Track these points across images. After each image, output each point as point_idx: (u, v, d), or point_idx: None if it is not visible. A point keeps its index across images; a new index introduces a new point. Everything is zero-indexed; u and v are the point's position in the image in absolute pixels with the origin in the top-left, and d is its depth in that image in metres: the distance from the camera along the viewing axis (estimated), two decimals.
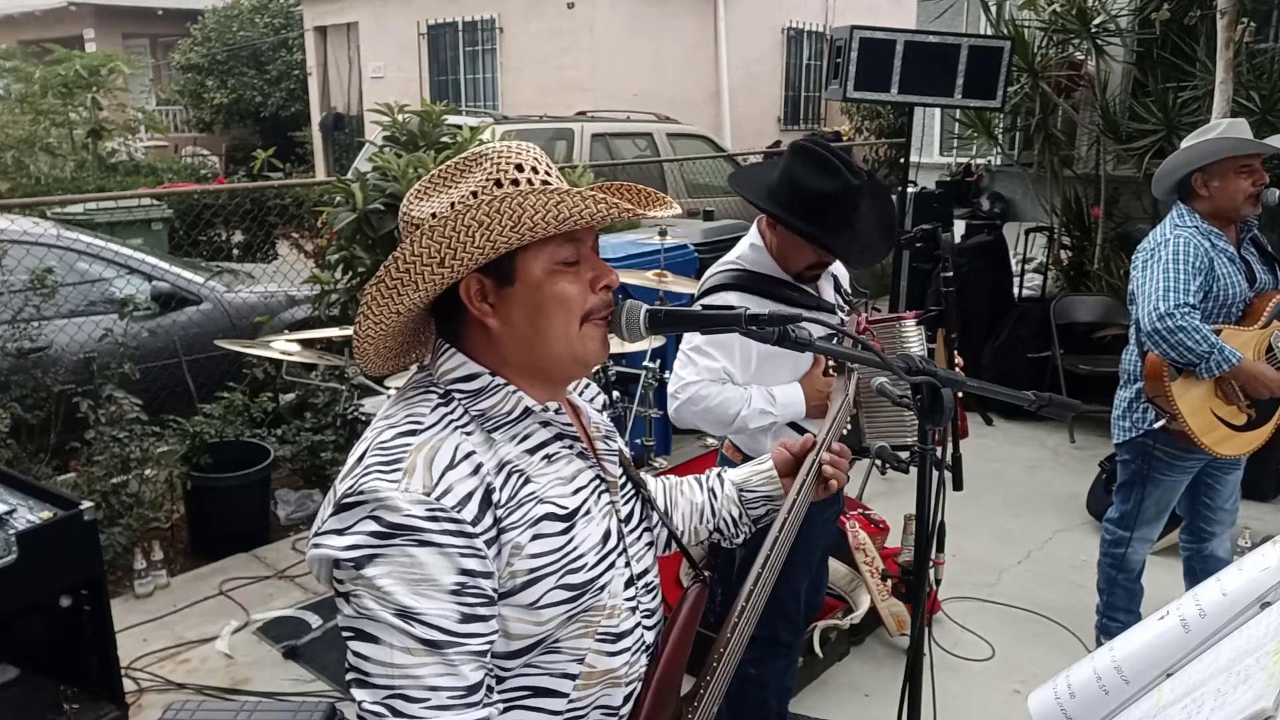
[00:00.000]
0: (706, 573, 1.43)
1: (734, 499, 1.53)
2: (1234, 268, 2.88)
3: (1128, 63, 6.03)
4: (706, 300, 2.37)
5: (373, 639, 1.03)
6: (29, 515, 2.54)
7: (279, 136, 14.91)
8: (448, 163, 1.19)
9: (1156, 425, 2.92)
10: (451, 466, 1.08)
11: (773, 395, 2.28)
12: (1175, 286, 2.76)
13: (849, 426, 2.35)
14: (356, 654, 1.05)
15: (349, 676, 1.07)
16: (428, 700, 1.02)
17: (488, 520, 1.08)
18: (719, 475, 1.57)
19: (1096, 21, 5.82)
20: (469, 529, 1.06)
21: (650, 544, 1.36)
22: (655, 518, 1.40)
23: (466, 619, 1.05)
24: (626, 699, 1.25)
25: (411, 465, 1.07)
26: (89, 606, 2.67)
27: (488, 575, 1.08)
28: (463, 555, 1.05)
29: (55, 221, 5.18)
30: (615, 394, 3.94)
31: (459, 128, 4.98)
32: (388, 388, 3.55)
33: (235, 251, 8.35)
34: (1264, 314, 2.89)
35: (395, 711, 1.02)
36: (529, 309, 1.16)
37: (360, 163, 7.33)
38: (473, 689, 1.05)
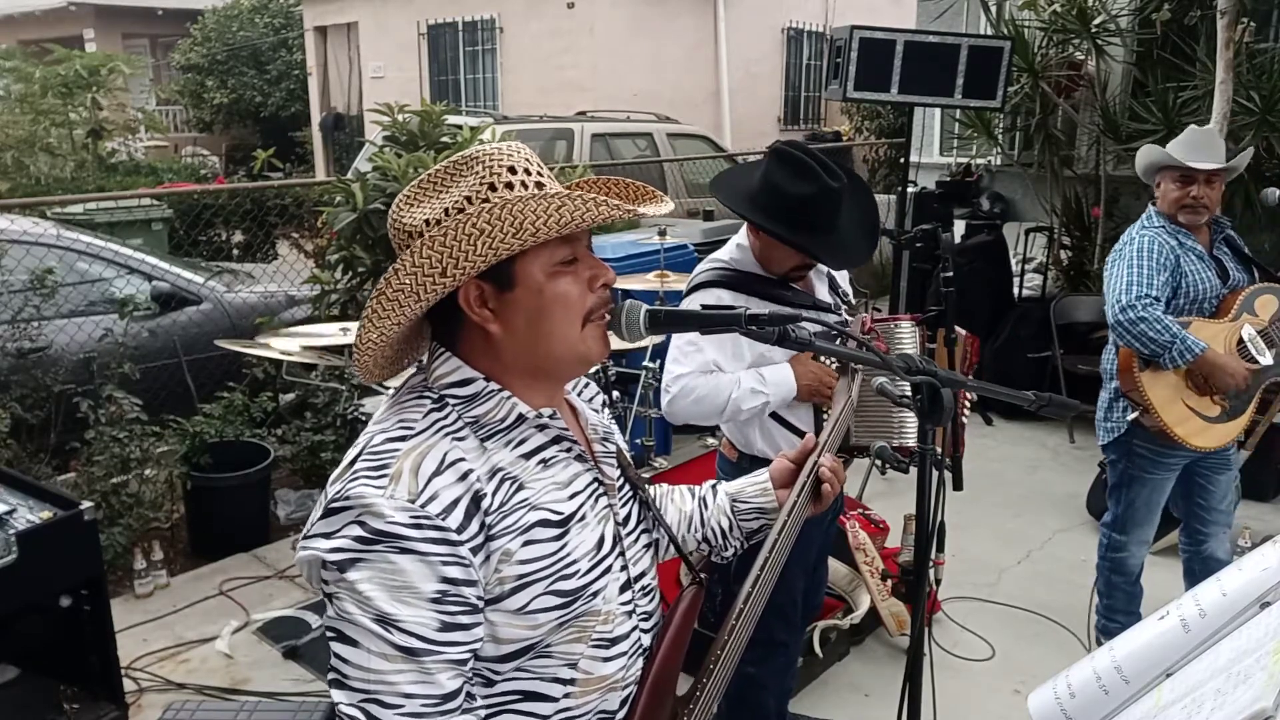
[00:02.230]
0: (703, 574, 1.43)
1: (725, 510, 1.51)
2: (1202, 264, 2.95)
3: (1128, 63, 6.04)
4: (693, 297, 2.38)
5: (352, 642, 1.04)
6: (29, 515, 2.54)
7: (279, 136, 14.92)
8: (436, 167, 1.18)
9: (1130, 417, 2.95)
10: (438, 473, 1.08)
11: (762, 375, 2.29)
12: (1137, 279, 2.84)
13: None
14: (337, 655, 1.06)
15: (329, 677, 1.08)
16: (401, 707, 1.03)
17: (474, 527, 1.08)
18: (713, 486, 1.56)
19: (1096, 21, 5.82)
20: (453, 536, 1.06)
21: (648, 546, 1.36)
22: (654, 520, 1.40)
23: (446, 627, 1.06)
24: (623, 703, 1.24)
25: (398, 472, 1.07)
26: (89, 606, 2.67)
27: (471, 583, 1.08)
28: (445, 563, 1.05)
29: (55, 221, 5.18)
30: (615, 394, 3.94)
31: (459, 128, 4.98)
32: (387, 387, 3.55)
33: (235, 251, 8.35)
34: (1234, 308, 2.96)
35: (369, 715, 1.03)
36: (530, 312, 1.15)
37: (360, 163, 7.33)
38: (448, 697, 1.06)
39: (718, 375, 2.30)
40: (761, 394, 2.28)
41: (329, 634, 1.08)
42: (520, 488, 1.14)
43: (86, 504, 2.61)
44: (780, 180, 2.20)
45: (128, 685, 2.96)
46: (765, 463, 2.40)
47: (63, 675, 2.72)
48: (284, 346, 3.49)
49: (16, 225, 4.56)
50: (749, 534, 1.52)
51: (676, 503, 1.55)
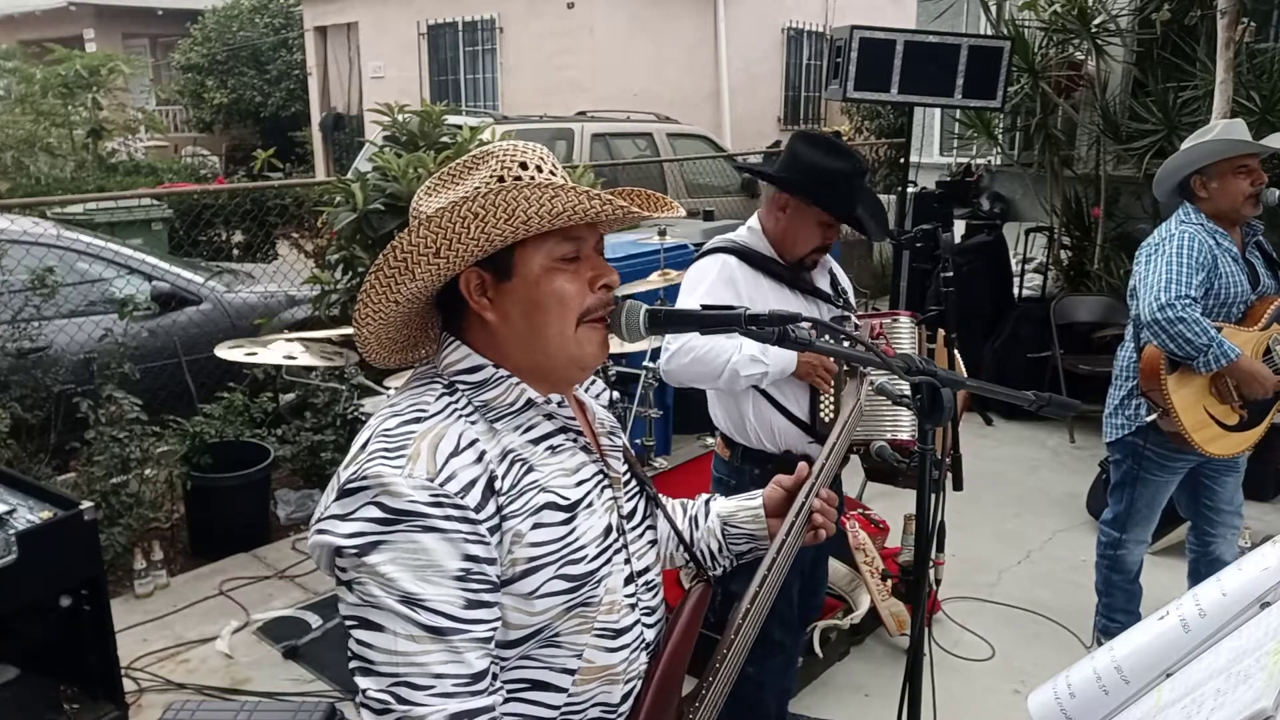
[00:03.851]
0: (710, 573, 1.43)
1: (716, 532, 1.49)
2: (1237, 267, 2.89)
3: (1128, 63, 6.04)
4: (702, 263, 2.43)
5: (377, 627, 1.04)
6: (29, 515, 2.54)
7: (279, 136, 14.91)
8: (457, 160, 1.20)
9: (1148, 419, 2.93)
10: (456, 453, 1.09)
11: (765, 345, 2.29)
12: (1177, 279, 2.77)
13: (830, 413, 2.36)
14: (360, 642, 1.05)
15: (352, 665, 1.06)
16: (433, 688, 1.02)
17: (490, 508, 1.09)
18: (706, 503, 1.54)
19: (1097, 21, 5.82)
20: (473, 515, 1.07)
21: (653, 542, 1.36)
22: (660, 516, 1.40)
23: (471, 605, 1.05)
24: (625, 697, 1.24)
25: (416, 451, 1.07)
26: (89, 606, 2.67)
27: (491, 561, 1.08)
28: (467, 541, 1.06)
29: (55, 221, 5.18)
30: (615, 394, 3.94)
31: (459, 128, 4.97)
32: (387, 388, 3.55)
33: (235, 251, 8.35)
34: (1265, 316, 2.90)
35: (400, 699, 1.02)
36: (525, 305, 1.16)
37: (360, 163, 7.33)
38: (477, 677, 1.05)
39: (719, 338, 2.31)
40: (761, 363, 2.29)
41: (349, 622, 1.06)
42: (530, 470, 1.15)
43: (86, 504, 2.61)
44: (817, 159, 2.27)
45: (128, 685, 2.96)
46: (760, 456, 2.43)
47: (63, 675, 2.72)
48: (284, 350, 3.48)
49: (16, 225, 4.56)
50: (738, 555, 1.50)
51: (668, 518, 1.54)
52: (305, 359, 3.38)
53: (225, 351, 3.47)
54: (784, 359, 2.30)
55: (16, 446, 3.85)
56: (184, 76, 16.89)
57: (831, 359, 2.30)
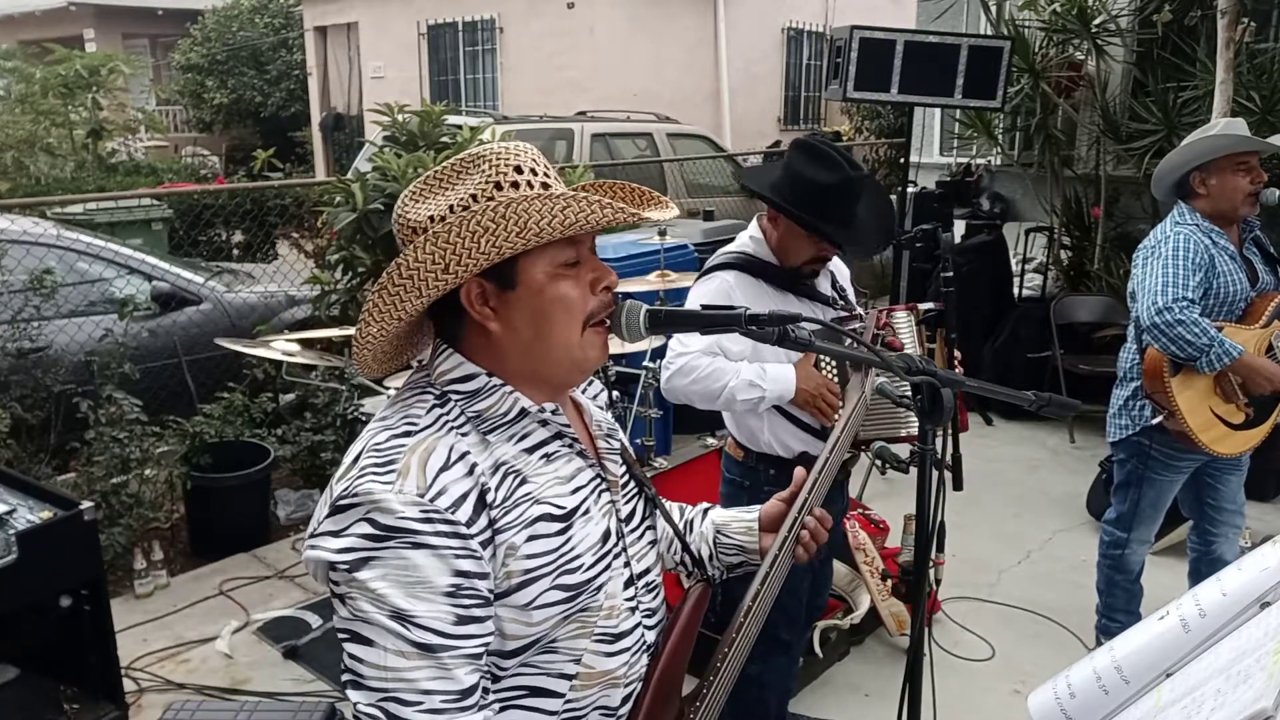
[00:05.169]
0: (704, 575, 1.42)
1: (708, 539, 1.48)
2: (1234, 265, 2.88)
3: (1128, 63, 6.04)
4: (708, 278, 2.42)
5: (367, 642, 1.04)
6: (29, 515, 2.54)
7: (279, 136, 14.90)
8: (443, 164, 1.18)
9: (1154, 421, 2.92)
10: (446, 468, 1.08)
11: (764, 370, 2.30)
12: (1174, 281, 2.77)
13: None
14: (351, 656, 1.05)
15: (344, 678, 1.07)
16: (421, 704, 1.03)
17: (482, 521, 1.09)
18: (704, 510, 1.54)
19: (1097, 21, 5.82)
20: (463, 530, 1.06)
21: (653, 543, 1.35)
22: (659, 516, 1.40)
23: (461, 620, 1.05)
24: (625, 699, 1.24)
25: (405, 467, 1.07)
26: (89, 606, 2.67)
27: (483, 576, 1.08)
28: (457, 557, 1.06)
29: (55, 221, 5.18)
30: (615, 394, 3.94)
31: (459, 128, 4.97)
32: (387, 388, 3.55)
33: (235, 251, 8.35)
34: (1265, 313, 2.89)
35: (389, 714, 1.03)
36: (531, 313, 1.15)
37: (360, 163, 7.33)
38: (466, 693, 1.05)
39: (720, 360, 2.32)
40: (758, 388, 2.29)
41: (341, 635, 1.07)
42: (523, 481, 1.14)
43: (86, 504, 2.61)
44: (804, 169, 2.26)
45: (128, 685, 2.96)
46: (774, 460, 2.43)
47: (63, 675, 2.72)
48: (284, 347, 3.49)
49: (16, 225, 4.56)
50: (729, 567, 1.48)
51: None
52: (305, 358, 3.39)
53: (227, 342, 3.48)
54: (782, 386, 2.30)
55: (16, 446, 3.85)
56: (184, 76, 16.88)
57: (833, 388, 2.31)
